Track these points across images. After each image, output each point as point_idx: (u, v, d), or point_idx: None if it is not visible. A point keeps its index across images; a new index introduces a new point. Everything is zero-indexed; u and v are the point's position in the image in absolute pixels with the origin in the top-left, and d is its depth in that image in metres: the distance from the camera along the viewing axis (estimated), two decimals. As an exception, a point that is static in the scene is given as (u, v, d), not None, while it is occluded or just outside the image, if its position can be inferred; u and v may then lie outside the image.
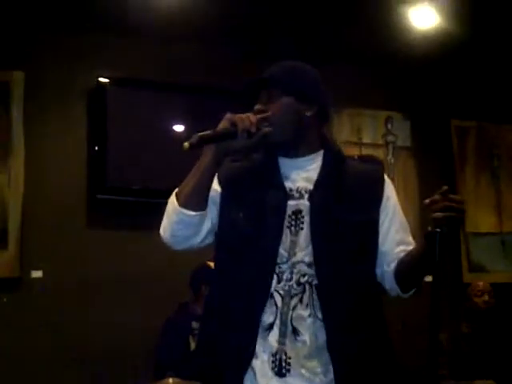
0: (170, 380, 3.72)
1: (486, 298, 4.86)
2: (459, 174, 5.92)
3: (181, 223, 2.10)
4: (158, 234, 2.19)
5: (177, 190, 2.13)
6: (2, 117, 4.66)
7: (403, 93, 5.84)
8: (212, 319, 2.15)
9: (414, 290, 2.21)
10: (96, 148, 4.82)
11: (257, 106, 2.16)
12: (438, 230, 1.93)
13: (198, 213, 2.09)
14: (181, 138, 5.04)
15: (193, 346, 4.24)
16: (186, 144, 1.98)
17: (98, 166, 4.80)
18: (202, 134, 2.01)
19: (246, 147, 2.11)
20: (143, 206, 4.84)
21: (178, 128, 5.10)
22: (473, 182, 5.91)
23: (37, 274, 4.61)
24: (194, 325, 4.30)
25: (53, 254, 4.66)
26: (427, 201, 1.95)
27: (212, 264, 4.16)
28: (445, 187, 1.95)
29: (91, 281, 4.66)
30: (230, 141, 2.06)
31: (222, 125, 2.06)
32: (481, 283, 4.98)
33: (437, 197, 1.94)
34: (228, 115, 2.08)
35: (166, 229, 2.15)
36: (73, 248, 4.71)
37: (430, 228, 1.96)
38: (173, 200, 2.11)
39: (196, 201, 2.09)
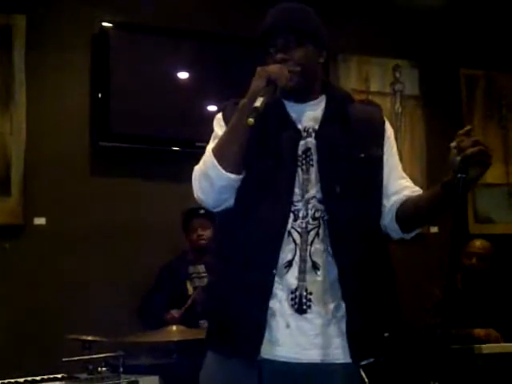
0: (174, 327, 3.76)
1: (474, 261, 4.74)
2: (467, 123, 5.79)
3: (227, 187, 2.07)
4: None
5: (213, 151, 2.07)
6: (4, 62, 4.58)
7: (411, 41, 5.74)
8: (226, 263, 2.13)
9: (416, 231, 2.22)
10: (99, 95, 4.76)
11: (279, 55, 2.13)
12: (462, 175, 1.88)
13: (243, 175, 2.08)
14: (185, 84, 5.03)
15: (190, 290, 4.32)
16: (251, 120, 1.93)
17: (101, 113, 4.74)
18: (258, 106, 1.96)
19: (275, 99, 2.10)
20: (146, 154, 4.83)
21: (183, 74, 5.02)
22: (481, 132, 5.82)
23: (40, 221, 4.60)
24: (191, 269, 4.38)
25: (56, 201, 4.64)
26: (453, 143, 1.90)
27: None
28: (468, 127, 1.93)
29: (94, 228, 4.64)
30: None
31: (259, 83, 2.03)
32: (477, 243, 4.84)
33: (463, 136, 1.89)
34: (262, 72, 2.05)
35: (207, 194, 2.09)
36: (76, 195, 4.69)
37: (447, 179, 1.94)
38: (214, 164, 2.04)
39: (240, 163, 2.06)
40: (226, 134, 2.08)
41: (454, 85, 5.89)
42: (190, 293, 4.34)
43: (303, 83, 2.14)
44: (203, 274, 4.36)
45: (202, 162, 2.10)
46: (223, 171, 2.03)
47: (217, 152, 2.06)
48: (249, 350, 2.03)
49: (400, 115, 5.63)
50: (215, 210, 2.17)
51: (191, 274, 4.38)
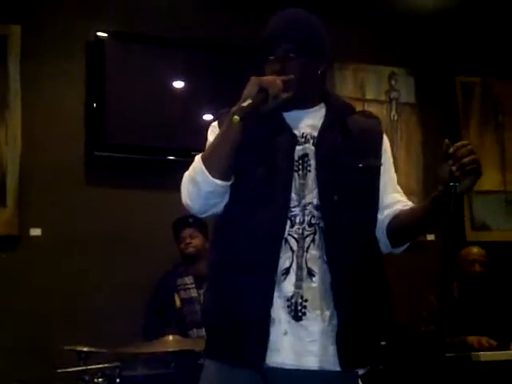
0: (170, 337, 3.75)
1: (477, 267, 4.74)
2: (464, 131, 5.83)
3: (214, 193, 2.07)
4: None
5: (202, 157, 2.07)
6: (-1, 72, 4.59)
7: (407, 48, 5.75)
8: (224, 272, 2.12)
9: (406, 246, 2.24)
10: (94, 104, 4.75)
11: (276, 66, 2.14)
12: (455, 183, 1.91)
13: (231, 181, 2.09)
14: (180, 93, 5.03)
15: (178, 302, 4.31)
16: (237, 117, 1.96)
17: (97, 123, 4.74)
18: (245, 105, 1.98)
19: (270, 110, 2.09)
20: (142, 163, 4.83)
21: (178, 84, 5.03)
22: (477, 140, 5.82)
23: (35, 231, 4.59)
24: (179, 281, 4.37)
25: (51, 211, 4.64)
26: (451, 149, 1.93)
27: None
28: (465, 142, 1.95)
29: (90, 239, 4.63)
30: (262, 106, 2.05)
31: (251, 90, 2.03)
32: (475, 250, 4.83)
33: (460, 144, 1.93)
34: (255, 80, 2.05)
35: (194, 199, 2.10)
36: (72, 206, 4.68)
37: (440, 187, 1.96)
38: (202, 170, 2.04)
39: (228, 170, 2.06)
40: (215, 140, 2.09)
41: (450, 92, 5.89)
42: (177, 306, 4.33)
43: (299, 93, 2.14)
44: (190, 286, 4.35)
45: (191, 168, 2.11)
46: (210, 177, 2.03)
47: (205, 158, 2.06)
48: (254, 358, 2.03)
49: (396, 123, 5.63)
50: (202, 216, 2.18)
51: (178, 286, 4.38)
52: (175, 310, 4.30)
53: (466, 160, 1.90)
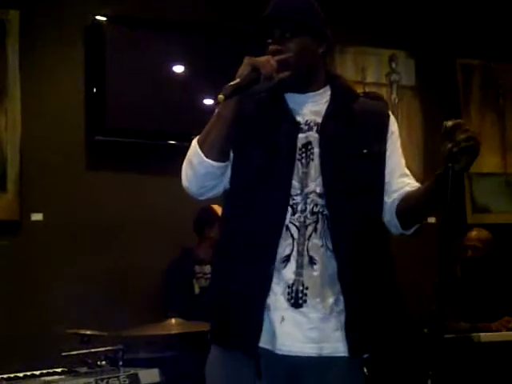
0: (173, 320, 3.76)
1: (469, 252, 4.75)
2: (464, 113, 5.82)
3: (208, 175, 2.09)
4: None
5: (198, 139, 2.10)
6: (-2, 57, 4.58)
7: (407, 31, 5.73)
8: (225, 257, 2.15)
9: (415, 228, 2.23)
10: (94, 89, 4.74)
11: (273, 46, 2.13)
12: (453, 164, 1.90)
13: (226, 163, 2.10)
14: (180, 77, 5.01)
15: (197, 289, 4.31)
16: (221, 96, 1.96)
17: (97, 107, 4.73)
18: (232, 84, 1.99)
19: (265, 90, 2.10)
20: (142, 148, 4.83)
21: (178, 68, 5.01)
22: (478, 122, 5.83)
23: (37, 216, 4.59)
24: (198, 269, 4.36)
25: (52, 196, 4.64)
26: (450, 123, 1.91)
27: (215, 207, 4.18)
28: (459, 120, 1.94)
29: (91, 224, 4.64)
30: (253, 86, 2.04)
31: (243, 70, 2.03)
32: (472, 234, 4.84)
33: (457, 122, 1.91)
34: (248, 60, 2.04)
35: (191, 181, 2.12)
36: (73, 190, 4.68)
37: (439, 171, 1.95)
38: (197, 151, 2.07)
39: (223, 151, 2.08)
40: (210, 122, 2.10)
41: (451, 74, 5.88)
42: (196, 292, 4.33)
43: (298, 74, 2.13)
44: (209, 275, 4.33)
45: (189, 150, 2.13)
46: (204, 158, 2.05)
47: (200, 139, 2.08)
48: (248, 344, 2.05)
49: (396, 106, 5.62)
50: (201, 199, 2.19)
51: (197, 274, 4.37)
52: (192, 296, 4.29)
53: (461, 137, 1.88)
